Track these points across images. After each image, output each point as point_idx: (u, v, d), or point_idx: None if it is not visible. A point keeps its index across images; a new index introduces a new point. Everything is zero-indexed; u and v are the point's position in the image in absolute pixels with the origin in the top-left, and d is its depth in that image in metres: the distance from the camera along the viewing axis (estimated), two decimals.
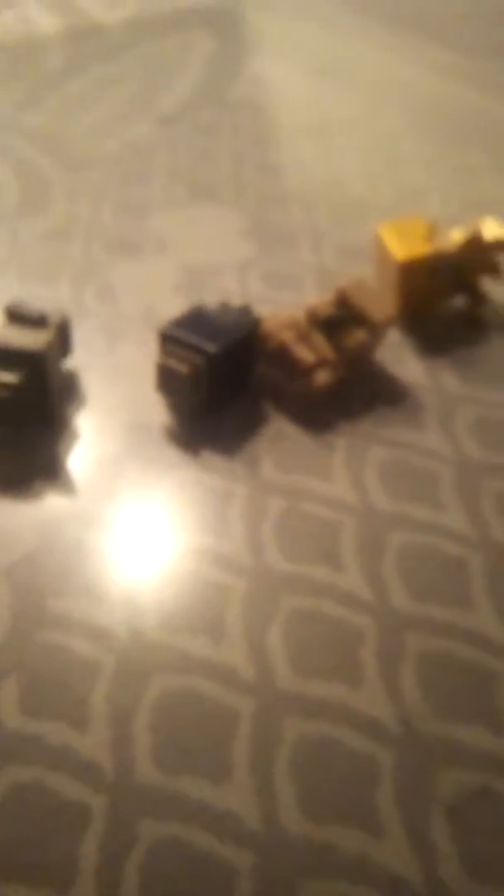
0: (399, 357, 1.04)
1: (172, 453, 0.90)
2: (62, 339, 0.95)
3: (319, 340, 0.96)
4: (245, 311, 0.99)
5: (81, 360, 1.02)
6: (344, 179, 1.45)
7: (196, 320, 0.94)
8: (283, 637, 0.73)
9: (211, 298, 1.14)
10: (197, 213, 1.33)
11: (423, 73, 1.85)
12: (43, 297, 1.11)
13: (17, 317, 0.92)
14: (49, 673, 0.70)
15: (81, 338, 1.06)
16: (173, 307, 1.12)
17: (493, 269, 1.10)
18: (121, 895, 0.56)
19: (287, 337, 0.95)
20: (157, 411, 0.96)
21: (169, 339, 0.92)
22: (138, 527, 0.82)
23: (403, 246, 1.06)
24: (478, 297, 1.11)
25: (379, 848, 0.59)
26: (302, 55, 1.98)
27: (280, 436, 0.93)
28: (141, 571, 0.78)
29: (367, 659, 0.71)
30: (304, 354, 0.94)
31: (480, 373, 1.02)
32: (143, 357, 1.03)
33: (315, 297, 1.16)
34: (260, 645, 0.72)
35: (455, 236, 1.08)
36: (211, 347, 0.90)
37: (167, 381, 0.92)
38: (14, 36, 2.06)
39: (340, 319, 0.97)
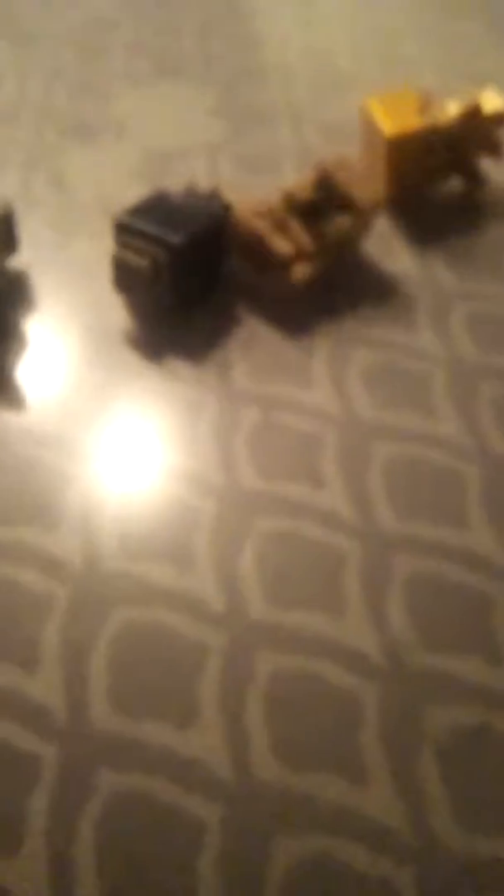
0: (388, 247, 0.93)
1: (134, 360, 0.81)
2: (6, 235, 0.83)
3: (297, 228, 0.85)
4: (213, 196, 0.87)
5: (30, 258, 0.91)
6: (327, 50, 1.29)
7: (157, 208, 0.83)
8: (257, 563, 0.65)
9: (175, 184, 1.01)
10: (161, 90, 1.19)
11: None
12: None
13: None
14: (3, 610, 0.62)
15: (30, 232, 0.94)
16: (133, 196, 1.00)
17: (492, 147, 0.98)
18: (74, 855, 0.50)
19: (261, 225, 0.83)
20: (116, 313, 0.85)
21: (126, 230, 0.81)
22: (97, 443, 0.73)
23: (393, 120, 0.93)
24: (475, 178, 0.99)
25: (362, 796, 0.53)
26: None
27: (254, 339, 0.83)
28: (100, 493, 0.69)
29: (349, 585, 0.64)
30: (280, 245, 0.83)
31: (476, 264, 0.92)
32: (99, 252, 0.92)
33: (294, 180, 1.03)
34: (231, 572, 0.64)
35: (451, 109, 0.96)
36: (173, 238, 0.79)
37: (125, 277, 0.81)
38: None
39: (321, 204, 0.86)
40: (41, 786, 0.53)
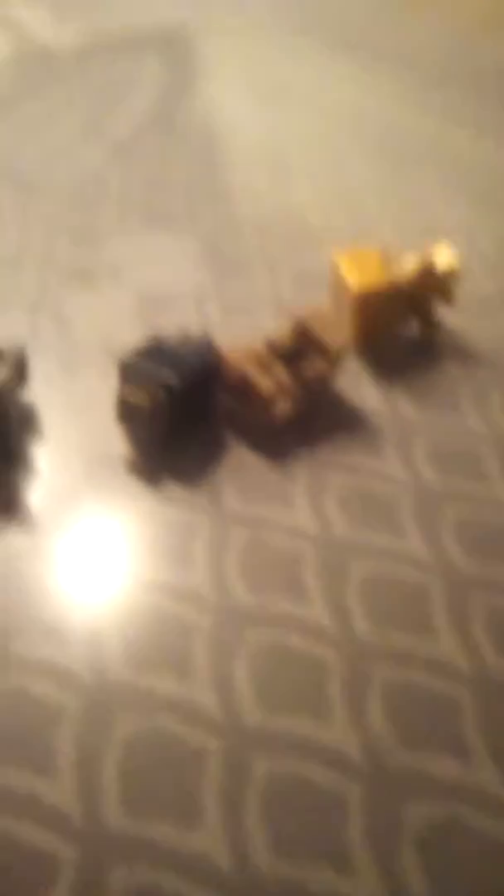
0: (356, 384, 1.06)
1: (134, 485, 0.90)
2: (19, 374, 0.94)
3: (279, 370, 0.97)
4: (204, 340, 0.99)
5: (39, 392, 1.01)
6: (297, 206, 1.46)
7: (155, 351, 0.94)
8: (249, 672, 0.72)
9: (168, 327, 1.14)
10: (151, 240, 1.34)
11: (373, 99, 1.89)
12: None
13: None
14: (13, 718, 0.68)
15: (38, 369, 1.05)
16: (131, 336, 1.12)
17: (445, 295, 1.12)
18: None
19: (247, 368, 0.95)
20: (117, 442, 0.95)
21: (129, 371, 0.92)
22: (100, 561, 0.81)
23: (359, 276, 1.07)
24: (431, 323, 1.13)
25: (349, 884, 0.59)
26: (252, 79, 2.00)
27: (241, 465, 0.93)
28: (104, 608, 0.77)
29: (332, 691, 0.71)
30: (265, 385, 0.94)
31: (435, 398, 1.04)
32: (102, 387, 1.03)
33: (271, 324, 1.16)
34: (226, 681, 0.72)
35: (408, 264, 1.10)
36: (172, 379, 0.90)
37: (127, 412, 0.91)
38: None
39: (298, 349, 0.98)
40: (60, 884, 0.58)
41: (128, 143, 1.65)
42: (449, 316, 1.19)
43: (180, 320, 1.15)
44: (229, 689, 0.71)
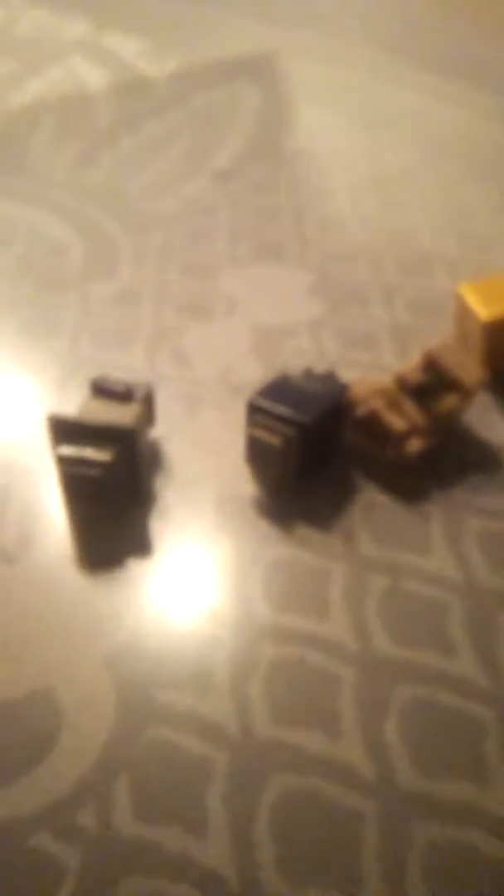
0: (487, 420, 1.02)
1: (265, 527, 0.88)
2: (148, 412, 0.93)
3: (410, 407, 0.94)
4: (330, 377, 0.97)
5: (163, 429, 1.00)
6: (408, 232, 1.43)
7: (283, 389, 0.93)
8: (401, 731, 0.69)
9: (286, 360, 1.12)
10: (263, 271, 1.33)
11: (480, 121, 1.84)
12: (119, 365, 1.10)
13: (103, 391, 0.91)
14: (161, 773, 0.67)
15: (161, 405, 1.04)
16: (250, 370, 1.10)
17: None
18: None
19: (377, 405, 0.92)
20: (245, 482, 0.93)
21: (258, 410, 0.90)
22: (237, 607, 0.79)
23: (487, 305, 1.03)
24: None
25: None
26: (350, 103, 1.98)
27: (373, 506, 0.90)
28: (244, 656, 0.75)
29: (496, 754, 0.67)
30: (396, 422, 0.92)
31: None
32: (226, 424, 1.02)
33: (391, 355, 1.14)
34: (378, 740, 0.69)
35: None
36: (303, 418, 0.88)
37: (258, 452, 0.90)
38: (62, 92, 2.09)
39: (430, 385, 0.95)
40: None
41: (231, 172, 1.65)
42: None
43: (298, 353, 1.13)
44: (381, 750, 0.68)
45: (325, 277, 1.30)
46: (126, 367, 1.11)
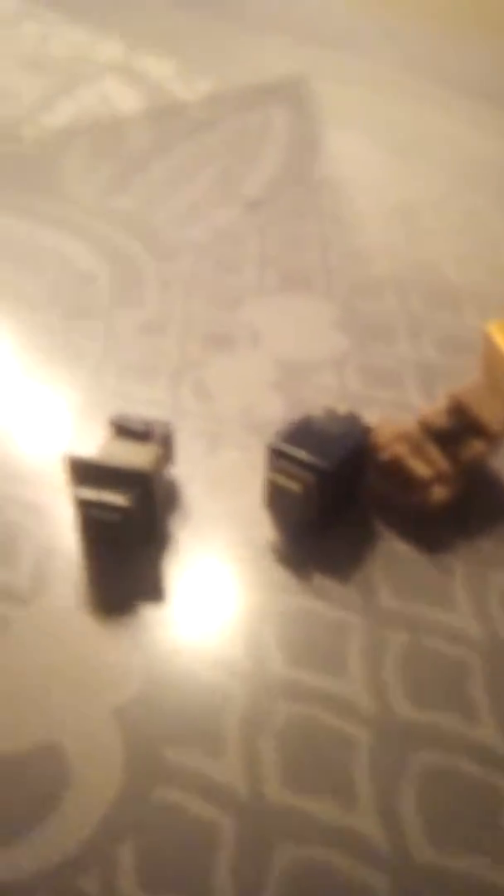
0: None
1: (281, 575, 0.86)
2: (167, 451, 0.92)
3: (434, 452, 0.91)
4: (353, 419, 0.95)
5: (181, 466, 0.99)
6: (436, 263, 1.41)
7: (304, 432, 0.90)
8: (418, 801, 0.67)
9: (309, 396, 1.10)
10: (288, 303, 1.31)
11: None
12: (142, 399, 1.09)
13: (123, 431, 0.89)
14: (168, 837, 0.65)
15: (180, 441, 1.03)
16: (271, 407, 1.09)
17: None
18: None
19: (401, 450, 0.90)
20: (262, 526, 0.92)
21: (279, 455, 0.88)
22: (254, 662, 0.77)
23: None
24: None
25: None
26: (379, 129, 1.96)
27: (394, 557, 0.88)
28: (254, 713, 0.73)
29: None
30: (421, 469, 0.89)
31: None
32: (245, 464, 1.00)
33: (416, 395, 1.11)
34: (393, 810, 0.66)
35: None
36: (323, 464, 0.86)
37: (277, 497, 0.88)
38: (95, 115, 2.10)
39: (455, 429, 0.92)
40: None
41: (261, 199, 1.64)
42: None
43: (321, 390, 1.11)
44: (395, 820, 0.65)
45: (350, 311, 1.29)
46: (149, 401, 1.10)
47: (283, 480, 0.87)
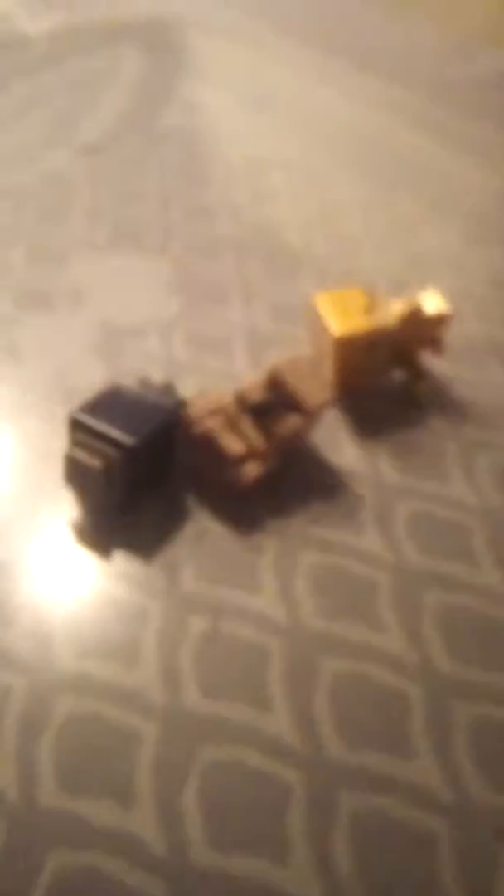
0: (334, 440, 0.96)
1: (80, 558, 0.80)
2: None
3: (249, 427, 0.87)
4: (168, 389, 0.89)
5: None
6: (277, 226, 1.36)
7: (112, 403, 0.84)
8: (198, 802, 0.63)
9: (130, 363, 1.03)
10: (119, 261, 1.23)
11: (364, 110, 1.79)
12: None
13: None
14: None
15: None
16: (86, 374, 1.01)
17: (433, 344, 1.04)
18: None
19: (213, 425, 0.85)
20: (63, 503, 0.85)
21: (80, 427, 0.82)
22: (38, 652, 0.71)
23: (340, 320, 0.98)
24: (418, 374, 1.04)
25: None
26: (239, 83, 1.89)
27: (203, 535, 0.84)
28: (39, 710, 0.67)
29: (292, 825, 0.62)
30: (232, 445, 0.85)
31: (419, 459, 0.95)
32: (51, 435, 0.93)
33: (244, 364, 1.07)
34: (174, 812, 0.62)
35: (395, 309, 1.01)
36: (127, 439, 0.80)
37: (77, 474, 0.81)
38: None
39: (272, 404, 0.89)
40: None
41: (99, 146, 1.53)
42: (436, 364, 1.10)
43: (144, 356, 1.05)
44: (178, 822, 0.62)
45: (185, 271, 1.22)
46: None
47: (82, 455, 0.80)
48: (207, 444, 0.86)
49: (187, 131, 1.64)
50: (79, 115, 1.63)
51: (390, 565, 0.83)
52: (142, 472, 0.83)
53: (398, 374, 1.08)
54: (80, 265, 1.20)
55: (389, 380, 1.07)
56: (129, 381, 0.90)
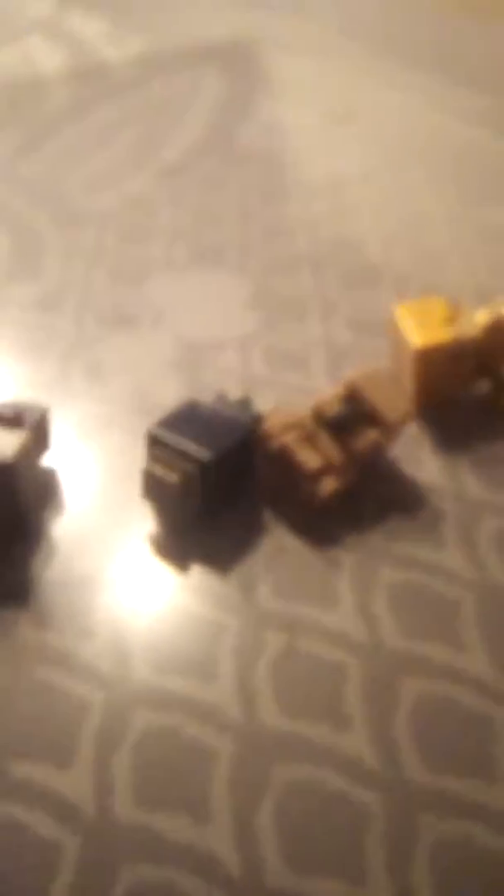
0: (415, 454, 0.94)
1: (158, 572, 0.80)
2: (39, 439, 0.85)
3: (326, 442, 0.86)
4: (244, 405, 0.89)
5: (61, 453, 0.92)
6: (357, 241, 1.35)
7: (189, 419, 0.85)
8: (274, 821, 0.62)
9: (209, 379, 1.04)
10: (198, 278, 1.24)
11: (450, 120, 1.76)
12: (28, 381, 1.02)
13: None
14: (6, 858, 0.59)
15: (62, 425, 0.96)
16: (167, 389, 1.03)
17: None
18: None
19: (290, 439, 0.85)
20: (143, 518, 0.86)
21: (157, 442, 0.82)
22: (118, 668, 0.72)
23: (421, 331, 0.96)
24: (502, 385, 1.01)
25: None
26: (319, 99, 1.89)
27: (280, 551, 0.83)
28: (112, 731, 0.68)
29: (371, 848, 0.60)
30: (309, 459, 0.84)
31: None
32: (131, 450, 0.94)
33: (323, 378, 1.06)
34: (248, 827, 0.62)
35: (478, 318, 0.99)
36: (204, 454, 0.80)
37: (154, 488, 0.82)
38: (15, 75, 1.99)
39: (349, 418, 0.87)
40: None
41: (180, 167, 1.56)
42: None
43: (222, 372, 1.06)
44: (252, 840, 0.61)
45: (263, 288, 1.22)
46: (36, 383, 1.03)
47: (160, 470, 0.81)
48: (284, 459, 0.85)
49: (266, 150, 1.65)
50: (160, 138, 1.67)
51: (474, 582, 0.80)
52: (219, 487, 0.83)
53: (482, 386, 1.05)
54: (160, 285, 1.22)
55: (473, 391, 1.04)
56: (207, 397, 0.90)
